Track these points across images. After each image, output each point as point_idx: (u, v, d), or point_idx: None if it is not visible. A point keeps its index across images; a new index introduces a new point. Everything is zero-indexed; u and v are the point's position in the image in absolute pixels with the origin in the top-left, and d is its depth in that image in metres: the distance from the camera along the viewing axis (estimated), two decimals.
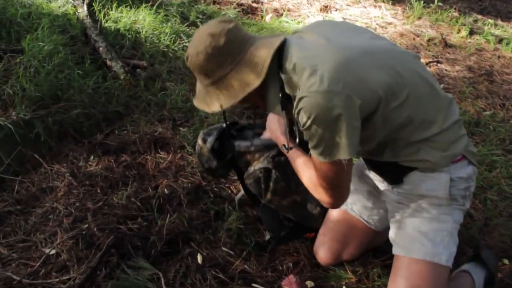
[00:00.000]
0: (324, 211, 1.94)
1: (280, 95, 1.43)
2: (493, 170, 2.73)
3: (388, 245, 2.05)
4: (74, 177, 2.29)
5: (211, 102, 1.46)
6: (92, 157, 2.43)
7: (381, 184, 1.72)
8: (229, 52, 1.39)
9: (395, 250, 1.64)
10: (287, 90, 1.42)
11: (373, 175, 1.76)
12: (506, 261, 2.11)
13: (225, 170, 2.02)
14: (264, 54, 1.38)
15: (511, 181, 2.66)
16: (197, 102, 1.52)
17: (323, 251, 1.92)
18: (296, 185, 1.89)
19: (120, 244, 1.89)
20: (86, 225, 1.99)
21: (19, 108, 2.50)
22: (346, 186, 1.49)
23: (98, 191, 2.22)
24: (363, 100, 1.32)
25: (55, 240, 1.93)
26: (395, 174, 1.60)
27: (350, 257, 1.93)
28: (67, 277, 1.76)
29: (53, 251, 1.88)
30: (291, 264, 1.95)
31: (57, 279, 1.75)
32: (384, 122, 1.41)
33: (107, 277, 1.77)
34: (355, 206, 1.85)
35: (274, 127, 1.73)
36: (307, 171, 1.53)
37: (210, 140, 1.94)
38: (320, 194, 1.51)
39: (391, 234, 1.67)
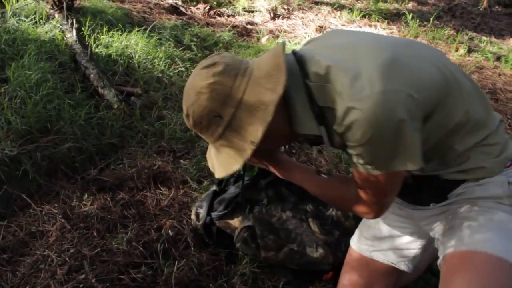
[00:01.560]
0: (326, 252, 1.84)
1: (309, 107, 1.17)
2: None
3: (413, 284, 1.89)
4: (67, 219, 2.07)
5: (241, 147, 1.16)
6: (86, 196, 2.21)
7: (415, 212, 1.51)
8: (232, 75, 1.13)
9: (443, 250, 1.33)
10: (321, 102, 1.16)
11: (402, 203, 1.56)
12: None
13: (217, 242, 1.97)
14: (274, 61, 1.14)
15: None
16: (221, 171, 1.22)
17: None
18: (287, 235, 1.85)
19: None
20: (83, 276, 1.77)
21: (4, 143, 2.28)
22: (394, 196, 1.28)
23: (95, 234, 2.00)
24: (423, 98, 1.10)
25: None
26: (437, 192, 1.37)
27: None
28: None
29: None
30: None
31: None
32: (438, 128, 1.19)
33: None
34: (381, 254, 1.64)
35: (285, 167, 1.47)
36: (340, 188, 1.34)
37: (202, 215, 1.95)
38: (361, 207, 1.30)
39: (440, 250, 1.36)
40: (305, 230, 1.88)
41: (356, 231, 1.71)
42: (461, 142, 1.23)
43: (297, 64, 1.18)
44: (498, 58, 4.76)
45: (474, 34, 5.42)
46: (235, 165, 1.16)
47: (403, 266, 1.65)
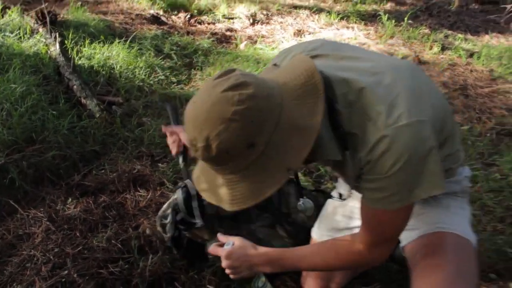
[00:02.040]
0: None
1: (333, 134, 1.14)
2: (474, 185, 2.74)
3: (375, 271, 2.05)
4: (52, 222, 2.22)
5: (267, 181, 1.04)
6: (70, 200, 2.38)
7: None
8: (265, 97, 1.00)
9: (414, 234, 1.43)
10: (347, 127, 1.12)
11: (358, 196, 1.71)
12: (494, 276, 2.09)
13: (186, 254, 1.99)
14: (308, 82, 1.07)
15: (493, 194, 2.66)
16: (239, 202, 1.06)
17: (310, 285, 1.86)
18: (258, 243, 1.87)
19: None
20: (66, 272, 1.92)
21: None
22: (401, 232, 1.30)
23: (78, 234, 2.15)
24: (440, 125, 1.17)
25: None
26: None
27: (338, 286, 1.88)
28: None
29: None
30: None
31: None
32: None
33: None
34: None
35: (246, 258, 1.40)
36: (336, 250, 1.35)
37: (169, 227, 1.90)
38: (373, 256, 1.30)
39: (408, 235, 1.46)
40: (274, 236, 2.00)
41: (316, 222, 1.85)
42: (441, 156, 1.35)
43: (323, 84, 1.08)
44: (471, 55, 4.93)
45: (450, 32, 5.59)
46: (266, 193, 1.04)
47: None
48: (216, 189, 1.09)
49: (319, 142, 1.09)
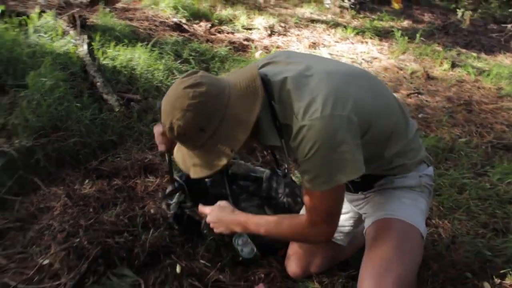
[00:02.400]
0: None
1: (273, 124, 1.42)
2: (463, 192, 2.91)
3: (354, 260, 2.24)
4: (70, 198, 2.50)
5: (216, 158, 1.36)
6: (86, 181, 2.65)
7: (347, 196, 1.87)
8: (215, 94, 1.33)
9: (369, 221, 1.68)
10: (282, 119, 1.41)
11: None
12: (469, 275, 2.26)
13: (185, 230, 2.26)
14: (250, 85, 1.37)
15: (479, 202, 2.83)
16: (196, 172, 1.42)
17: (292, 266, 2.09)
18: None
19: (107, 255, 2.08)
20: (78, 239, 2.18)
21: (22, 136, 2.75)
22: (341, 209, 1.54)
23: (91, 210, 2.42)
24: (360, 120, 1.39)
25: (49, 252, 2.12)
26: (365, 183, 1.71)
27: (317, 270, 2.09)
28: (58, 282, 1.95)
29: (46, 261, 2.07)
30: (263, 275, 2.11)
31: (49, 285, 1.95)
32: (372, 142, 1.50)
33: (94, 284, 1.95)
34: None
35: (223, 218, 1.75)
36: (287, 223, 1.60)
37: (173, 206, 2.23)
38: (314, 234, 1.54)
39: (366, 222, 1.73)
40: (261, 212, 2.24)
41: (302, 210, 2.09)
42: (388, 151, 1.60)
43: (264, 85, 1.39)
44: (481, 73, 5.08)
45: (463, 50, 5.76)
46: (216, 167, 1.35)
47: (339, 241, 2.03)
48: (185, 160, 1.45)
49: (262, 130, 1.42)
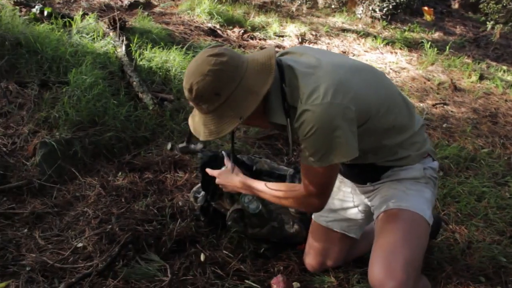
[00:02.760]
0: (300, 228, 2.29)
1: (282, 104, 1.56)
2: (482, 200, 2.97)
3: (368, 257, 2.34)
4: (103, 188, 2.68)
5: (225, 123, 1.52)
6: (120, 173, 2.83)
7: (358, 189, 2.00)
8: (234, 65, 1.48)
9: (378, 212, 1.81)
10: (290, 101, 1.56)
11: (348, 183, 2.05)
12: (482, 279, 2.32)
13: (210, 221, 2.43)
14: (266, 63, 1.52)
15: (498, 210, 2.88)
16: (206, 135, 1.56)
17: (309, 260, 2.21)
18: (269, 214, 2.29)
19: (136, 241, 2.24)
20: (110, 226, 2.35)
21: (62, 129, 2.95)
22: (332, 186, 1.70)
23: (123, 200, 2.59)
24: (358, 111, 1.53)
25: (83, 236, 2.29)
26: (373, 174, 1.85)
27: (334, 263, 2.19)
28: (91, 263, 2.11)
29: (80, 244, 2.24)
30: (282, 268, 2.23)
31: (82, 265, 2.11)
32: (372, 132, 1.66)
33: (123, 266, 2.11)
34: (335, 223, 2.11)
35: (229, 180, 1.95)
36: (284, 191, 1.76)
37: (200, 199, 2.42)
38: (307, 202, 1.71)
39: (375, 214, 1.85)
40: (284, 210, 2.35)
41: None
42: (390, 141, 1.74)
43: (278, 68, 1.56)
44: (510, 86, 5.09)
45: (494, 63, 5.76)
46: (224, 131, 1.52)
47: (352, 234, 2.13)
48: (197, 125, 1.60)
49: (271, 107, 1.58)
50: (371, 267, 1.63)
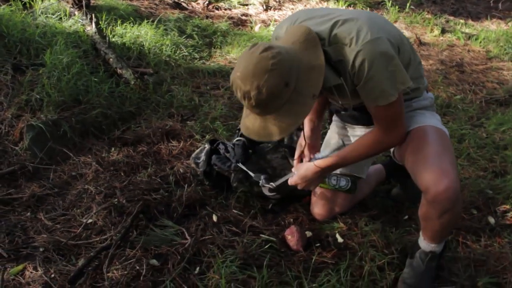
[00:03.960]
0: None
1: (329, 66, 1.60)
2: (462, 142, 3.11)
3: (371, 202, 2.43)
4: (100, 165, 2.65)
5: (301, 106, 1.54)
6: (113, 149, 2.80)
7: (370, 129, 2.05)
8: (285, 52, 1.49)
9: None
10: (334, 58, 1.61)
11: (358, 130, 2.12)
12: (474, 211, 2.45)
13: (215, 184, 2.45)
14: (309, 38, 1.56)
15: (478, 149, 3.04)
16: (283, 131, 1.57)
17: (317, 210, 2.28)
18: (273, 171, 2.33)
19: (147, 210, 2.25)
20: (116, 199, 2.34)
21: (46, 110, 2.88)
22: (404, 112, 1.76)
23: (122, 174, 2.57)
24: (394, 43, 1.61)
25: (91, 212, 2.27)
26: None
27: (341, 209, 2.26)
28: (105, 237, 2.11)
29: (90, 220, 2.23)
30: (292, 220, 2.29)
31: (97, 239, 2.10)
32: (402, 63, 1.70)
33: (139, 235, 2.11)
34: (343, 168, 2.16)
35: (307, 179, 1.96)
36: (365, 145, 1.81)
37: (201, 164, 2.44)
38: (391, 139, 1.78)
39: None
40: (286, 165, 2.41)
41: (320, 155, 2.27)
42: (409, 73, 1.77)
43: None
44: (470, 37, 5.29)
45: (451, 18, 5.94)
46: (302, 117, 1.58)
47: (360, 174, 2.21)
48: (261, 129, 1.58)
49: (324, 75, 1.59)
50: (421, 174, 1.69)
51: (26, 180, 2.56)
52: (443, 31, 5.29)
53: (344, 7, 5.70)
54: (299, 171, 1.97)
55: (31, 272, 1.95)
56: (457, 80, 4.14)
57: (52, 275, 1.92)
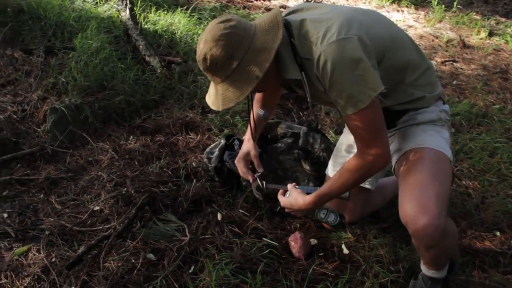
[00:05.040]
0: (315, 185, 2.27)
1: (294, 59, 1.58)
2: (494, 156, 2.95)
3: (385, 213, 2.34)
4: (116, 152, 2.67)
5: (244, 84, 1.51)
6: (131, 137, 2.82)
7: None
8: (242, 27, 1.51)
9: (398, 154, 1.78)
10: (302, 54, 1.57)
11: None
12: (497, 233, 2.33)
13: (225, 182, 2.41)
14: (274, 20, 1.55)
15: (511, 166, 2.87)
16: (226, 102, 1.55)
17: None
18: (284, 172, 2.31)
19: (153, 202, 2.25)
20: (125, 188, 2.36)
21: (71, 94, 2.93)
22: (384, 126, 1.63)
23: (136, 163, 2.59)
24: (374, 45, 1.53)
25: (99, 199, 2.30)
26: (388, 120, 1.77)
27: (350, 217, 2.17)
28: (109, 226, 2.13)
29: (97, 207, 2.26)
30: (298, 225, 2.24)
31: (101, 228, 2.13)
32: (388, 69, 1.64)
33: (141, 227, 2.12)
34: None
35: (298, 208, 1.85)
36: (347, 170, 1.70)
37: (213, 160, 2.41)
38: (371, 158, 1.62)
39: (395, 157, 1.83)
40: (298, 168, 2.35)
41: (330, 161, 2.20)
42: (406, 79, 1.73)
43: (285, 27, 1.58)
44: None
45: (503, 19, 5.64)
46: (243, 95, 1.52)
47: (367, 185, 2.13)
48: (214, 97, 1.60)
49: (283, 64, 1.59)
50: (402, 205, 1.61)
51: (44, 162, 2.62)
52: (491, 34, 5.03)
53: (388, 3, 5.53)
54: (290, 196, 1.88)
55: (34, 254, 2.00)
56: (498, 88, 3.93)
57: (53, 259, 1.97)
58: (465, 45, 4.71)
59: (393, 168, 1.86)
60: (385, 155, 1.64)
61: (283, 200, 1.90)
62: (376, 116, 1.59)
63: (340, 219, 1.95)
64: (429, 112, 1.81)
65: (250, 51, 1.50)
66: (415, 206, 1.55)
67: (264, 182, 2.03)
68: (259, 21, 1.60)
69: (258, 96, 2.05)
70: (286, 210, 1.92)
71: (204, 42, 1.51)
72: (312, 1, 5.08)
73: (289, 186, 1.91)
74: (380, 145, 1.61)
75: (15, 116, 2.83)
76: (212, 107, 1.62)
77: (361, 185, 2.08)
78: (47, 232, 2.11)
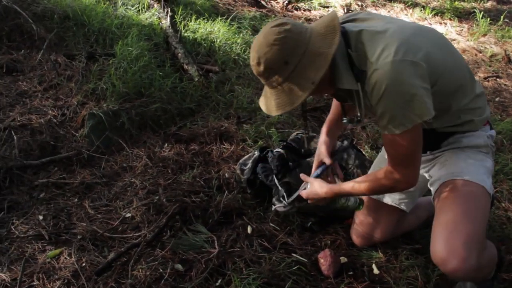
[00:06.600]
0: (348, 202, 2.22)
1: (350, 69, 1.53)
2: None
3: (419, 234, 2.27)
4: (150, 160, 2.70)
5: (298, 91, 1.48)
6: (166, 145, 2.84)
7: None
8: (298, 31, 1.46)
9: (437, 185, 1.74)
10: (358, 65, 1.52)
11: None
12: None
13: (257, 194, 2.40)
14: (330, 25, 1.49)
15: None
16: (280, 108, 1.53)
17: (355, 235, 2.17)
18: None
19: (183, 212, 2.25)
20: (157, 197, 2.37)
21: (109, 100, 2.98)
22: (419, 155, 1.59)
23: (169, 171, 2.60)
24: (429, 69, 1.47)
25: (131, 206, 2.32)
26: (433, 142, 1.77)
27: (381, 236, 2.12)
28: (139, 234, 2.14)
29: (129, 214, 2.27)
30: (329, 242, 2.19)
31: (131, 235, 2.14)
32: (441, 93, 1.59)
33: (171, 237, 2.12)
34: (387, 196, 2.04)
35: (318, 196, 1.86)
36: (372, 180, 1.69)
37: (246, 172, 2.40)
38: (397, 178, 1.61)
39: (434, 186, 1.78)
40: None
41: (375, 161, 2.14)
42: (456, 103, 1.66)
43: (342, 35, 1.52)
44: None
45: None
46: (298, 100, 1.48)
47: (403, 206, 2.06)
48: (268, 101, 1.57)
49: (339, 73, 1.53)
50: (433, 245, 1.59)
51: (80, 166, 2.67)
52: None
53: (430, 15, 5.41)
54: (313, 187, 1.88)
55: (66, 258, 2.03)
56: None
57: (83, 264, 1.99)
58: (510, 60, 4.55)
59: (432, 197, 1.80)
60: (410, 181, 1.62)
61: (305, 192, 1.91)
62: (414, 142, 1.55)
63: (359, 202, 1.95)
64: (476, 137, 1.75)
65: (305, 55, 1.46)
66: (444, 249, 1.53)
67: (285, 202, 2.05)
68: (315, 24, 1.56)
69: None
70: (309, 201, 1.92)
71: (259, 47, 1.47)
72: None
73: (305, 179, 1.94)
74: (408, 171, 1.60)
75: (55, 120, 2.89)
76: (266, 111, 1.59)
77: (396, 206, 2.04)
78: (79, 237, 2.14)
